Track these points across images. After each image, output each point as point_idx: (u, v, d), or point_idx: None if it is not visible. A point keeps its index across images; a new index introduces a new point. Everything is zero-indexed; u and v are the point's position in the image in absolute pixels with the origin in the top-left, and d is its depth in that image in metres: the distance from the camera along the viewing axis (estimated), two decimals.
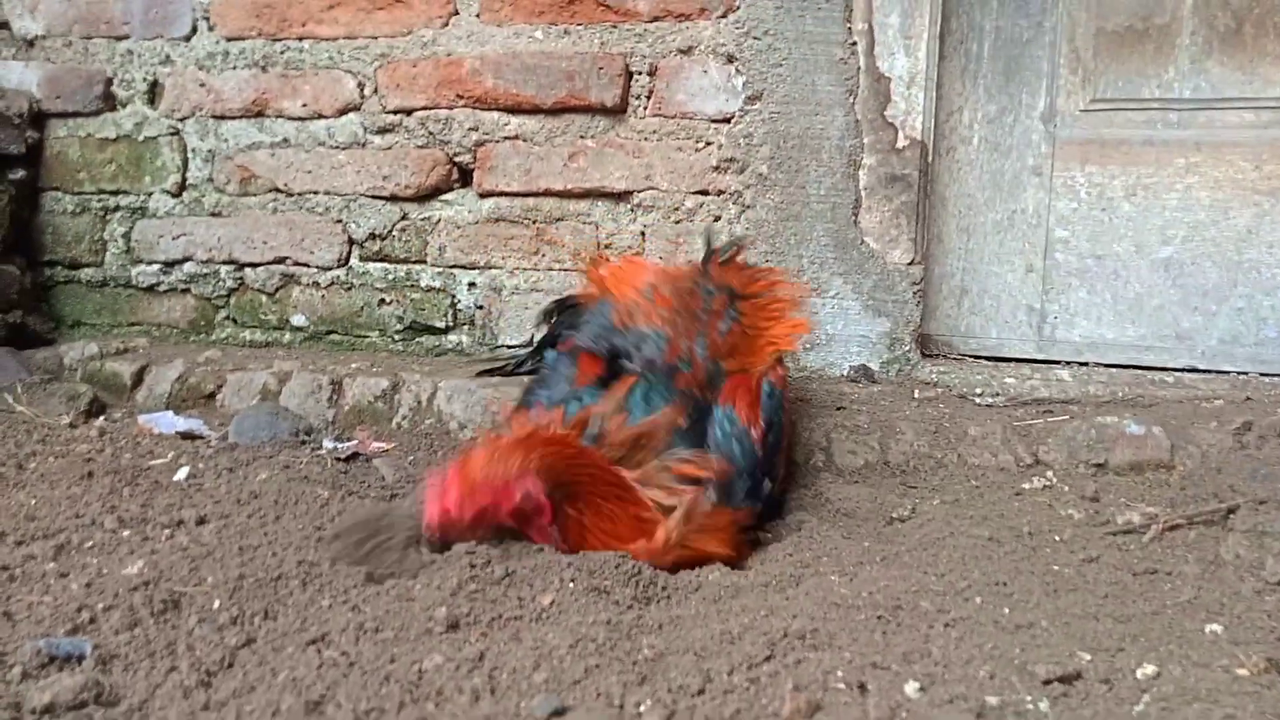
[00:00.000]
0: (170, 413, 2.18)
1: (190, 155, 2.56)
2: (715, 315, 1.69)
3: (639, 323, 1.66)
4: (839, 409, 1.99)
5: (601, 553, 1.42)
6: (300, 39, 2.46)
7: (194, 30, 2.53)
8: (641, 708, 1.06)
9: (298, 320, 2.53)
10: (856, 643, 1.20)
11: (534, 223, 2.36)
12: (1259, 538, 1.49)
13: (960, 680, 1.12)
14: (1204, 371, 2.14)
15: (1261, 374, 2.11)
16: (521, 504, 1.40)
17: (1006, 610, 1.31)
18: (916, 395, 2.07)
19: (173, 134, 2.56)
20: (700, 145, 2.24)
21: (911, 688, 1.10)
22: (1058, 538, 1.57)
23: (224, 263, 2.56)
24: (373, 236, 2.45)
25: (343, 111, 2.45)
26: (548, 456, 1.42)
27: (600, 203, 2.32)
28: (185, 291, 2.60)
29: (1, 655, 1.11)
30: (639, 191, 2.28)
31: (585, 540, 1.45)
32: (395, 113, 2.41)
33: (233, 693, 1.07)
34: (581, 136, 2.30)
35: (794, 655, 1.16)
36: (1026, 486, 1.76)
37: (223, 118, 2.53)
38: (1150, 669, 1.14)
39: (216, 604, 1.25)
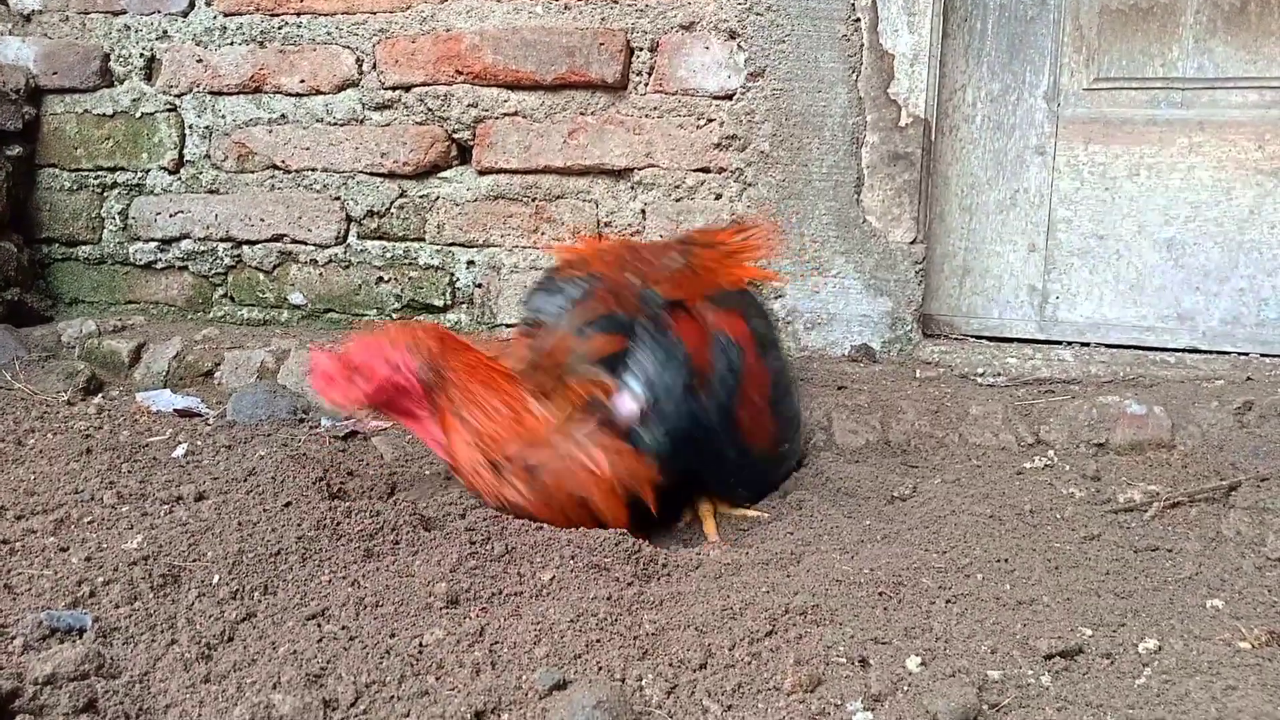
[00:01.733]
0: (168, 390, 2.17)
1: (187, 132, 2.54)
2: (662, 254, 1.68)
3: (576, 274, 1.66)
4: (840, 388, 1.99)
5: (601, 531, 1.43)
6: (298, 14, 2.44)
7: (191, 5, 2.51)
8: (643, 681, 1.06)
9: (295, 298, 2.52)
10: (858, 618, 1.20)
11: (533, 200, 2.34)
12: (1260, 514, 1.49)
13: (962, 655, 1.12)
14: (1205, 352, 2.14)
15: (1263, 354, 2.10)
16: (391, 377, 1.48)
17: (1008, 587, 1.31)
18: (918, 375, 2.07)
19: (170, 110, 2.54)
20: (702, 122, 2.22)
21: (913, 662, 1.10)
22: (1059, 516, 1.57)
23: (221, 240, 2.54)
24: (371, 214, 2.44)
25: (341, 88, 2.43)
26: (422, 340, 1.50)
27: (600, 180, 2.30)
28: (183, 269, 2.59)
29: (3, 627, 1.11)
30: (639, 169, 2.27)
31: (458, 429, 1.48)
32: (394, 89, 2.39)
33: (233, 665, 1.07)
34: (582, 113, 2.29)
35: (795, 630, 1.16)
36: (1028, 465, 1.76)
37: (220, 94, 2.51)
38: (1152, 643, 1.14)
39: (216, 578, 1.25)
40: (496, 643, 1.13)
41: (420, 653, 1.10)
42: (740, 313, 1.64)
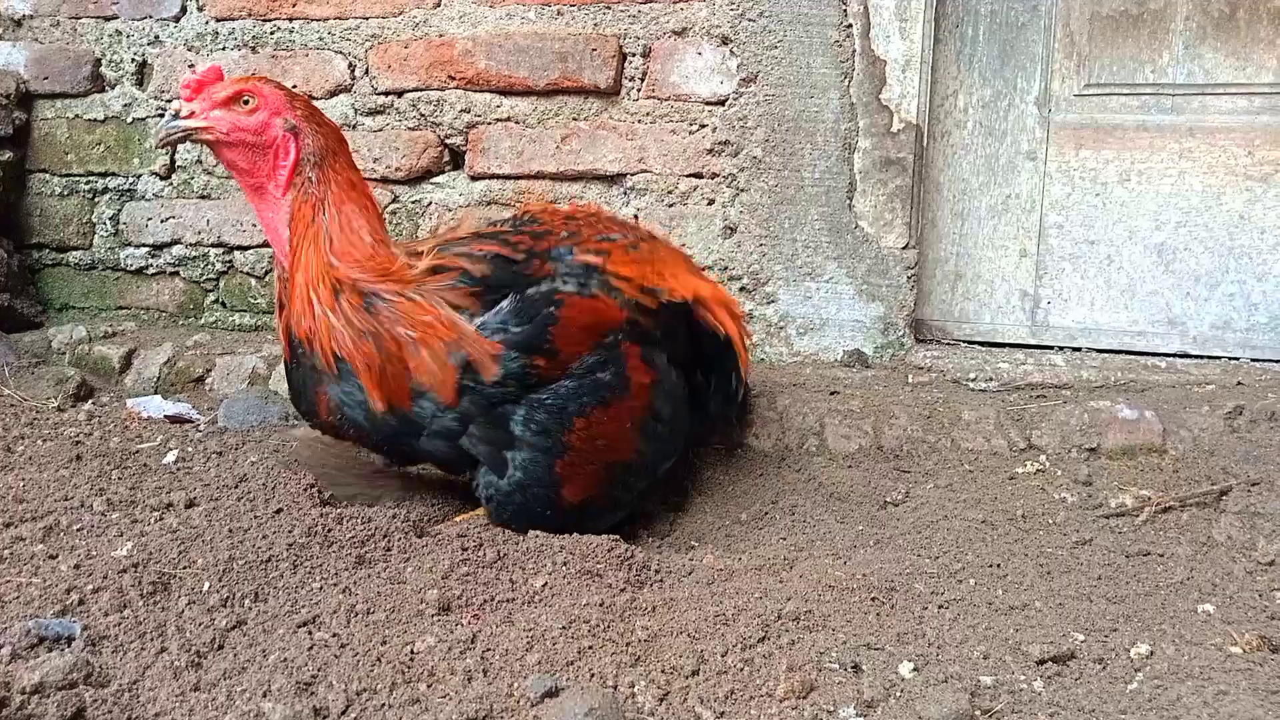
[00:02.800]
0: (159, 397, 2.16)
1: None
2: (630, 232, 1.69)
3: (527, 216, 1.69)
4: (833, 393, 1.99)
5: (594, 537, 1.42)
6: (290, 19, 2.43)
7: (183, 10, 2.50)
8: (635, 688, 1.06)
9: None
10: (851, 624, 1.20)
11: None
12: (1251, 519, 1.49)
13: (954, 660, 1.12)
14: (1196, 356, 2.14)
15: (1253, 359, 2.11)
16: (268, 124, 1.44)
17: (1000, 592, 1.32)
18: (910, 380, 2.07)
19: (161, 115, 2.53)
20: (694, 128, 2.23)
21: (906, 668, 1.10)
22: (1051, 521, 1.57)
23: (213, 245, 2.53)
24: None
25: (333, 93, 2.42)
26: (324, 120, 1.50)
27: (593, 185, 2.30)
28: (174, 275, 2.58)
29: None
30: (632, 174, 2.27)
31: (307, 234, 1.43)
32: (386, 94, 2.38)
33: (223, 673, 1.06)
34: (574, 119, 2.29)
35: (788, 636, 1.16)
36: (1020, 470, 1.76)
37: None
38: (1144, 648, 1.14)
39: (206, 586, 1.25)
40: (488, 650, 1.12)
41: (412, 660, 1.10)
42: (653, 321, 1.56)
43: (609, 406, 1.49)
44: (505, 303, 1.46)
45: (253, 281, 2.53)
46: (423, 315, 1.43)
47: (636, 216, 2.28)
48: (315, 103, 2.41)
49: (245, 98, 1.46)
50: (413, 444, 1.49)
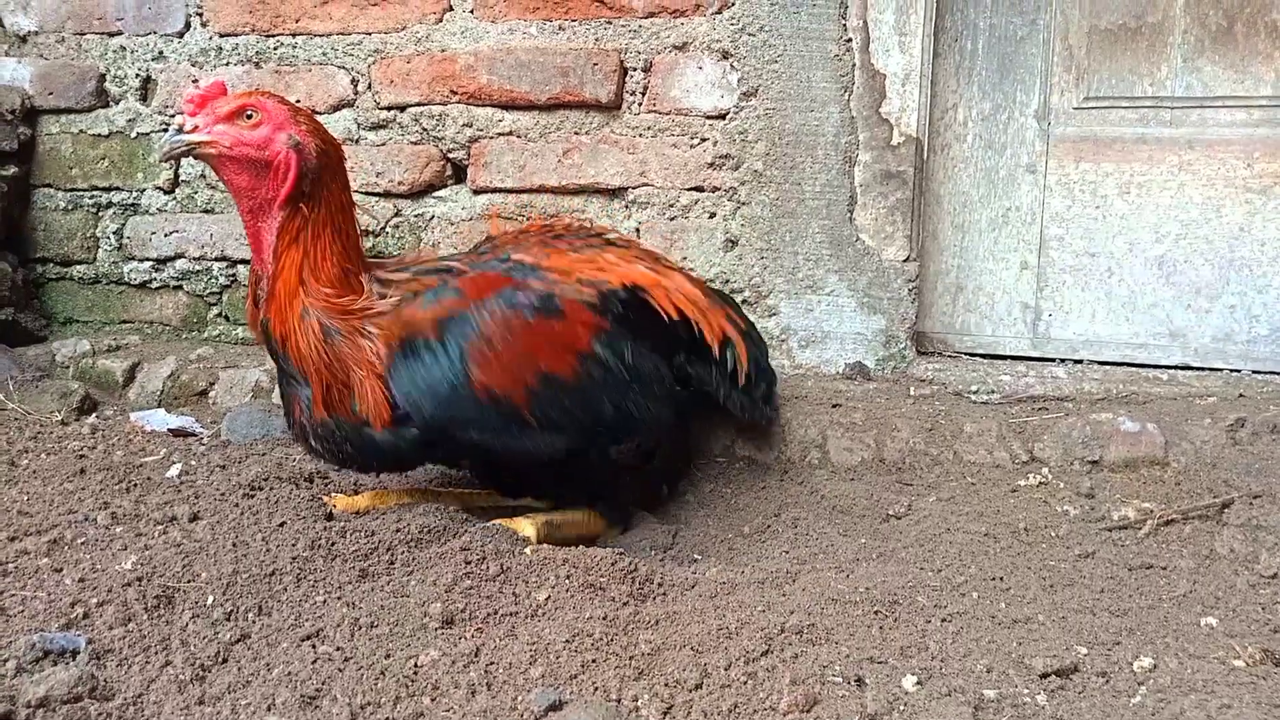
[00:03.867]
0: (162, 410, 2.17)
1: None
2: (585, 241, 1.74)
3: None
4: (835, 406, 1.99)
5: (597, 550, 1.42)
6: (294, 35, 2.45)
7: (187, 26, 2.52)
8: (639, 702, 1.06)
9: None
10: (854, 637, 1.20)
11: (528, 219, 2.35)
12: (1253, 532, 1.49)
13: (958, 674, 1.12)
14: (1197, 369, 2.15)
15: (1254, 371, 2.11)
16: (271, 141, 1.46)
17: (1003, 605, 1.32)
18: (912, 392, 2.07)
19: (165, 130, 2.55)
20: (695, 142, 2.24)
21: (909, 681, 1.10)
22: (1054, 533, 1.57)
23: (216, 259, 2.54)
24: (366, 233, 2.44)
25: (336, 108, 2.44)
26: (331, 140, 1.53)
27: (595, 199, 2.31)
28: (177, 288, 2.59)
29: None
30: (634, 188, 2.28)
31: (294, 251, 1.47)
32: (389, 109, 2.40)
33: (227, 687, 1.07)
34: (576, 133, 2.30)
35: (791, 650, 1.16)
36: (1022, 483, 1.77)
37: None
38: (1147, 661, 1.14)
39: (210, 599, 1.25)
40: (492, 663, 1.13)
41: (415, 674, 1.10)
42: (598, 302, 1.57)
43: (530, 318, 1.50)
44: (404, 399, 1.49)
45: None
46: (368, 356, 1.48)
47: (638, 230, 2.28)
48: (319, 117, 2.43)
49: (249, 112, 1.47)
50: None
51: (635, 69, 2.25)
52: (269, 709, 1.02)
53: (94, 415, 2.14)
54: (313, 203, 1.48)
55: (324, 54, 2.43)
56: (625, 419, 1.59)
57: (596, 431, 1.57)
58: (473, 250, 1.70)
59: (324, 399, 1.50)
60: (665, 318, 1.64)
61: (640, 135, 2.26)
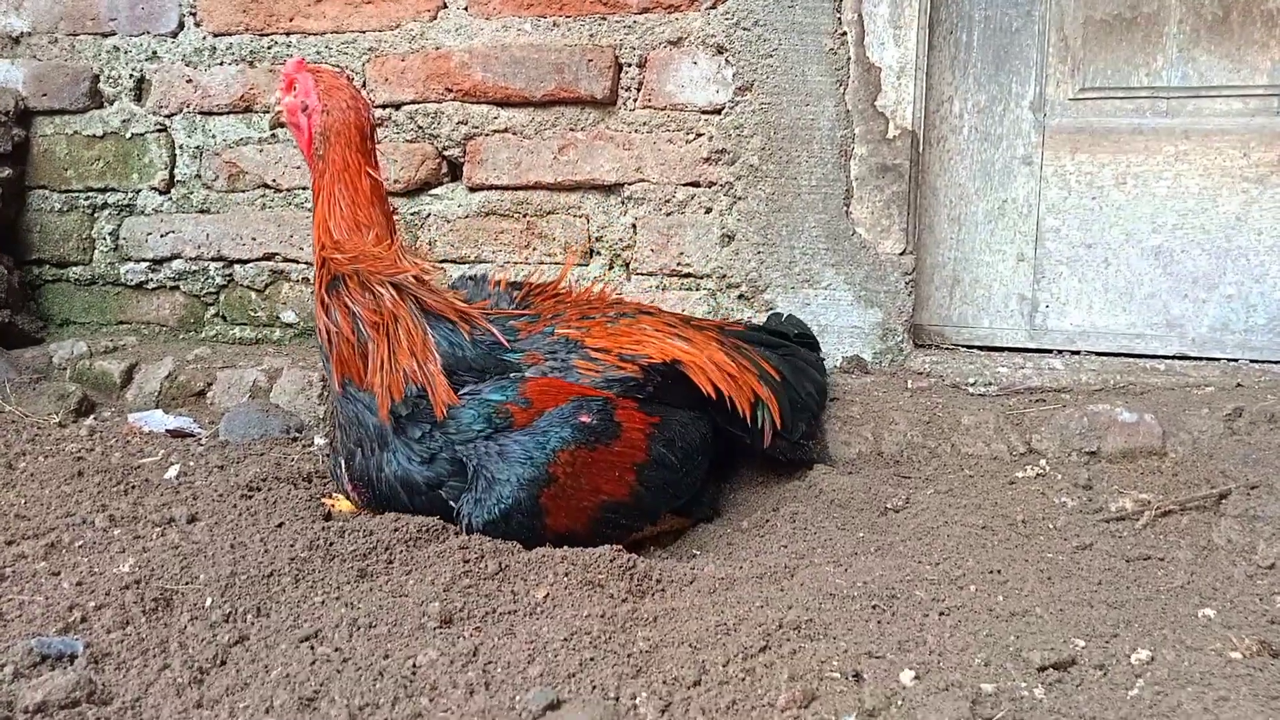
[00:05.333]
0: (160, 411, 2.17)
1: (178, 152, 2.55)
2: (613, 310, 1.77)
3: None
4: (832, 400, 1.99)
5: (595, 548, 1.43)
6: (288, 34, 2.44)
7: (181, 26, 2.51)
8: (637, 700, 1.06)
9: (288, 317, 2.52)
10: (852, 632, 1.20)
11: (524, 216, 2.35)
12: (1250, 522, 1.49)
13: (955, 668, 1.12)
14: (1195, 359, 2.14)
15: (1251, 360, 2.11)
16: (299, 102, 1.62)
17: (1001, 598, 1.32)
18: (909, 385, 2.07)
19: (160, 130, 2.55)
20: (691, 137, 2.23)
21: (907, 676, 1.10)
22: (1051, 525, 1.57)
23: (213, 260, 2.54)
24: None
25: None
26: (334, 95, 1.62)
27: (591, 195, 2.31)
28: (174, 289, 2.58)
29: None
30: (630, 184, 2.27)
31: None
32: (384, 107, 2.39)
33: (226, 690, 1.07)
34: (571, 129, 2.29)
35: (789, 646, 1.16)
36: (1020, 475, 1.77)
37: (210, 114, 2.51)
38: (1144, 654, 1.14)
39: (209, 601, 1.25)
40: (490, 663, 1.13)
41: (414, 674, 1.10)
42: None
43: (594, 450, 1.52)
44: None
45: (253, 295, 2.53)
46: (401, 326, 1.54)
47: (634, 226, 2.28)
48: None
49: (295, 83, 1.64)
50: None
51: (630, 65, 2.25)
52: (267, 711, 1.02)
53: (92, 417, 2.14)
54: (322, 164, 1.60)
55: (318, 53, 2.43)
56: (675, 498, 1.67)
57: (648, 515, 1.64)
58: (520, 302, 1.73)
59: (339, 367, 1.55)
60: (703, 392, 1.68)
61: (636, 131, 2.26)
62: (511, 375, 1.55)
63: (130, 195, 2.58)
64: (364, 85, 2.40)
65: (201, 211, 2.54)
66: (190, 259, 2.55)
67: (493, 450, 1.49)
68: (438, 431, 1.50)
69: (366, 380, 1.53)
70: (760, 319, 2.20)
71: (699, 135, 2.23)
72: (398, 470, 1.52)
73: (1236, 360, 2.12)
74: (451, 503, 1.51)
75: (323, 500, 1.65)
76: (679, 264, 2.27)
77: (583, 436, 1.51)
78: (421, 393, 1.51)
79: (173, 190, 2.56)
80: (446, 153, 2.38)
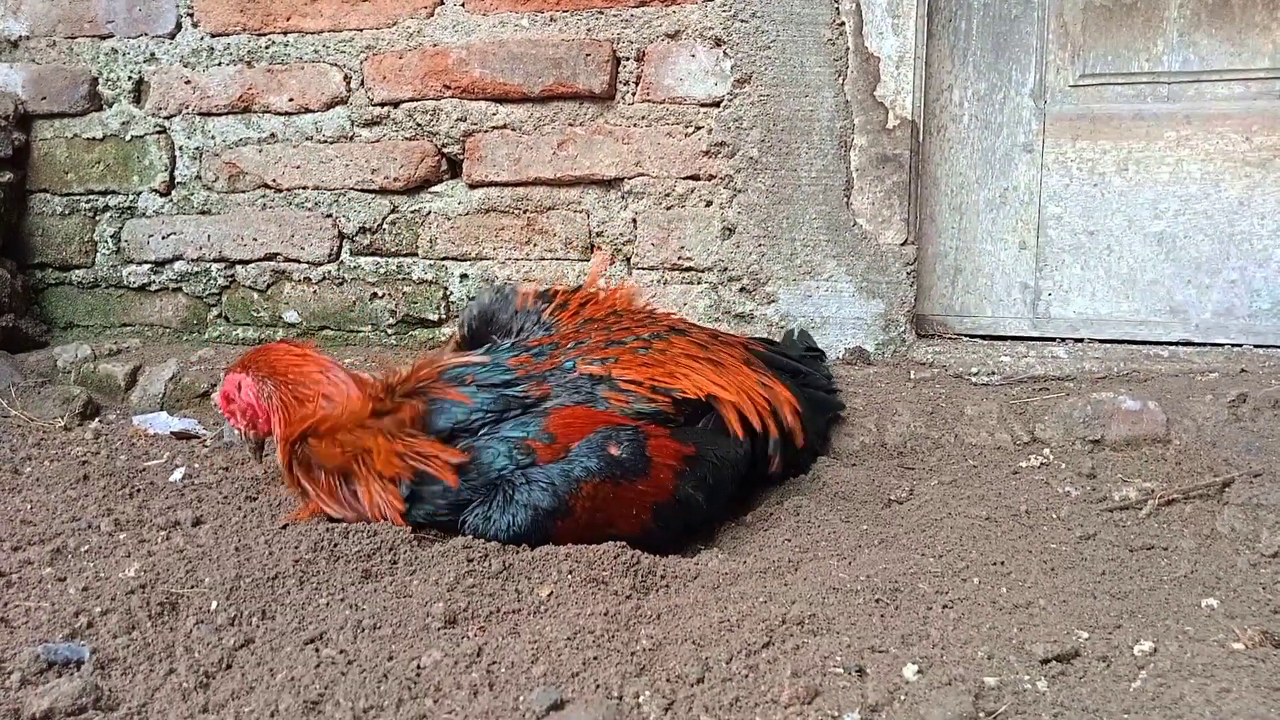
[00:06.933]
0: (164, 413, 2.17)
1: (178, 153, 2.55)
2: (646, 328, 1.73)
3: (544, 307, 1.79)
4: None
5: (600, 545, 1.43)
6: (285, 33, 2.44)
7: (178, 27, 2.51)
8: (640, 698, 1.06)
9: (290, 316, 2.52)
10: (855, 627, 1.20)
11: (525, 212, 2.35)
12: (1254, 510, 1.49)
13: (958, 662, 1.12)
14: (1198, 345, 2.14)
15: (1255, 346, 2.11)
16: (237, 396, 1.59)
17: (1004, 590, 1.32)
18: (912, 376, 2.07)
19: (159, 132, 2.55)
20: (690, 130, 2.23)
21: (910, 670, 1.10)
22: (1055, 516, 1.57)
23: (214, 260, 2.55)
24: (363, 230, 2.44)
25: (330, 105, 2.43)
26: (259, 361, 1.60)
27: (591, 190, 2.31)
28: (176, 290, 2.59)
29: (0, 662, 1.11)
30: (629, 178, 2.27)
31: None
32: (382, 105, 2.39)
33: (231, 694, 1.07)
34: (570, 124, 2.29)
35: (792, 641, 1.16)
36: (1024, 465, 1.76)
37: (209, 115, 2.51)
38: (1147, 645, 1.14)
39: (214, 605, 1.25)
40: (494, 663, 1.13)
41: (418, 675, 1.11)
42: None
43: (618, 486, 1.48)
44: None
45: (255, 295, 2.54)
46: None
47: (634, 220, 2.28)
48: (312, 115, 2.43)
49: (230, 397, 1.60)
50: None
51: (628, 58, 2.24)
52: (272, 715, 1.03)
53: (97, 420, 2.15)
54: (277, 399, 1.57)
55: (316, 52, 2.43)
56: (690, 532, 1.63)
57: (655, 552, 1.60)
58: (510, 347, 1.67)
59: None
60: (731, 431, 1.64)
61: (635, 125, 2.25)
62: (532, 411, 1.51)
63: (131, 197, 2.58)
64: (362, 83, 2.40)
65: (202, 213, 2.55)
66: (192, 260, 2.56)
67: (518, 478, 1.46)
68: (461, 480, 1.48)
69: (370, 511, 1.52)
70: (763, 311, 2.20)
71: (698, 128, 2.22)
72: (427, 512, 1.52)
73: (1240, 346, 2.11)
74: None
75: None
76: (680, 258, 2.26)
77: (608, 470, 1.46)
78: (420, 478, 1.49)
79: (173, 192, 2.56)
80: (446, 150, 2.38)
